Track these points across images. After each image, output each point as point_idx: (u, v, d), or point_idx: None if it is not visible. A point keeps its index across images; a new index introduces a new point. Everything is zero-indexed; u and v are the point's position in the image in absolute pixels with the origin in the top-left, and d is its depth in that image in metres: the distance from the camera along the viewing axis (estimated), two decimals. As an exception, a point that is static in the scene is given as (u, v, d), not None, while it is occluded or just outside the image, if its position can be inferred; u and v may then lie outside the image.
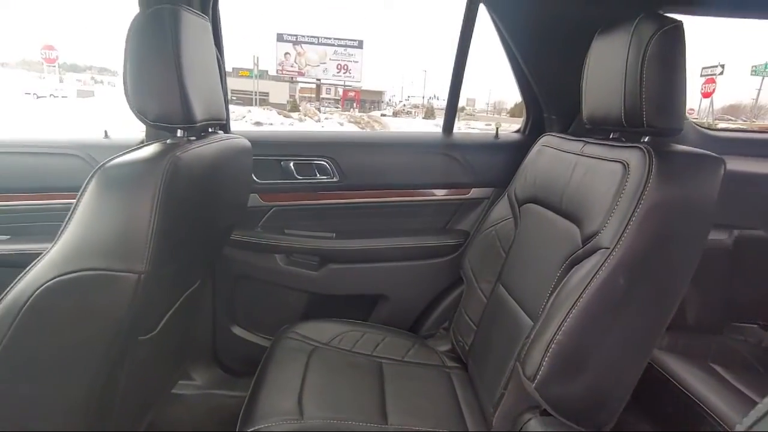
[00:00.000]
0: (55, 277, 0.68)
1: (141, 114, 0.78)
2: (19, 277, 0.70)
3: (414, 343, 1.24)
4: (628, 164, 0.77)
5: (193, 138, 0.87)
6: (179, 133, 0.83)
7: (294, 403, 0.92)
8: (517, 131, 1.54)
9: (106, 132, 1.37)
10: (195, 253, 0.97)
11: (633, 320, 0.74)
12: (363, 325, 1.27)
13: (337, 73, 21.49)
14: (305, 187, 1.38)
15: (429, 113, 24.25)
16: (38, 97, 15.96)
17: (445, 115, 1.44)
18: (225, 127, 1.25)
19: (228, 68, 1.56)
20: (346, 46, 21.11)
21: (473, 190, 1.41)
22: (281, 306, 1.41)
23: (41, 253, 0.70)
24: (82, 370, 0.75)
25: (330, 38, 21.96)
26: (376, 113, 25.40)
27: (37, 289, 0.68)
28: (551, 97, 1.34)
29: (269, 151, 1.35)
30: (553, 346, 0.72)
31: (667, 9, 1.11)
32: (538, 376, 0.73)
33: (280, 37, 21.37)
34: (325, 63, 21.51)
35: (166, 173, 0.70)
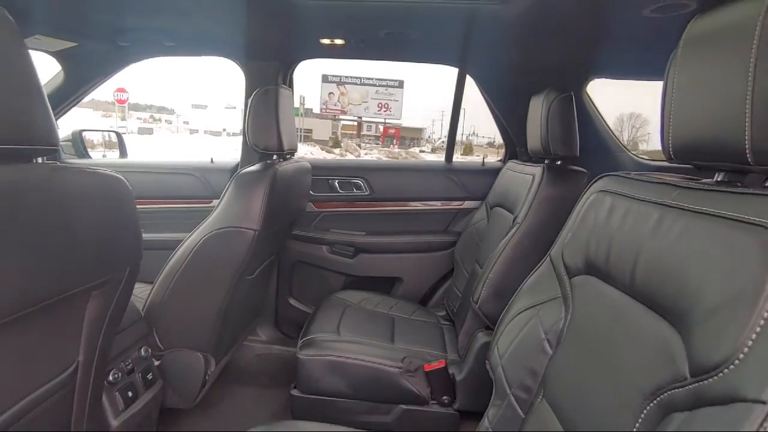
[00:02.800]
0: (211, 232, 1.29)
1: (254, 145, 1.40)
2: (190, 234, 1.31)
3: (418, 308, 1.77)
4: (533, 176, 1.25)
5: (281, 160, 1.48)
6: (275, 156, 1.44)
7: (334, 328, 1.48)
8: (499, 160, 2.10)
9: (212, 159, 2.04)
10: (276, 232, 1.57)
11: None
12: (383, 295, 1.82)
13: (378, 111, 22.65)
14: (345, 198, 1.98)
15: (467, 150, 24.77)
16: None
17: (446, 148, 2.03)
18: (294, 152, 1.89)
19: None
20: (387, 86, 22.39)
21: (466, 202, 1.97)
22: (325, 284, 1.98)
23: (173, 240, 1.33)
24: (218, 291, 1.34)
25: (372, 79, 23.28)
26: (414, 149, 26.24)
27: (202, 238, 1.29)
28: (518, 134, 1.88)
29: (322, 173, 1.97)
30: (487, 279, 1.24)
31: (592, 78, 1.66)
32: (479, 300, 1.25)
33: (325, 78, 22.92)
34: (366, 102, 22.77)
35: (271, 178, 1.31)
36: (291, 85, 1.90)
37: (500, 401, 0.87)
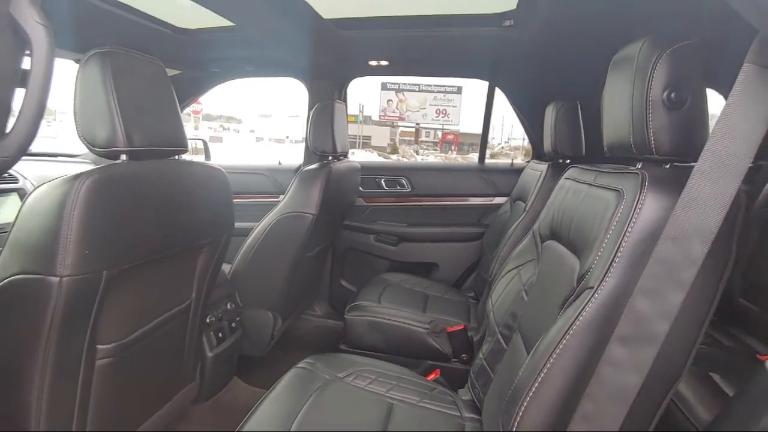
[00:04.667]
0: (280, 216, 1.67)
1: (314, 148, 1.77)
2: (264, 218, 1.70)
3: (451, 289, 2.06)
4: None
5: (335, 160, 1.84)
6: (330, 157, 1.81)
7: (376, 298, 1.81)
8: (527, 161, 2.34)
9: (279, 161, 2.46)
10: (330, 219, 1.92)
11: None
12: (420, 278, 2.12)
13: (436, 117, 22.87)
14: (390, 194, 2.32)
15: (529, 155, 24.25)
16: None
17: (480, 151, 2.30)
18: (347, 155, 2.25)
19: None
20: (445, 92, 22.66)
21: (495, 198, 2.23)
22: (371, 268, 2.32)
23: (247, 228, 1.71)
24: (284, 262, 1.71)
25: (430, 85, 23.60)
26: (473, 155, 26.15)
27: (273, 221, 1.67)
28: (538, 138, 2.11)
29: (370, 173, 2.31)
30: (499, 256, 1.42)
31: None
32: (491, 272, 1.47)
33: (384, 86, 23.54)
34: (424, 108, 23.07)
35: (327, 174, 1.67)
36: (345, 99, 2.27)
37: (491, 338, 1.16)
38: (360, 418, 1.06)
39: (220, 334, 1.54)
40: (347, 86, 2.24)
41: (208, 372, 1.47)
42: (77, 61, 0.97)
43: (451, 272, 2.25)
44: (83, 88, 0.89)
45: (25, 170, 1.78)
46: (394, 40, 1.70)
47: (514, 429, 0.67)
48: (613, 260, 0.63)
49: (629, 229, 0.63)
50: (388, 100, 24.17)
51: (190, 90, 2.28)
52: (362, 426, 1.02)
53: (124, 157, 0.94)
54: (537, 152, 2.22)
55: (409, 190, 2.30)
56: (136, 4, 1.46)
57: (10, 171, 1.75)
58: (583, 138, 1.59)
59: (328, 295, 2.37)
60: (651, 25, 1.18)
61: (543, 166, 1.68)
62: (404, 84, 23.67)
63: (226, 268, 1.79)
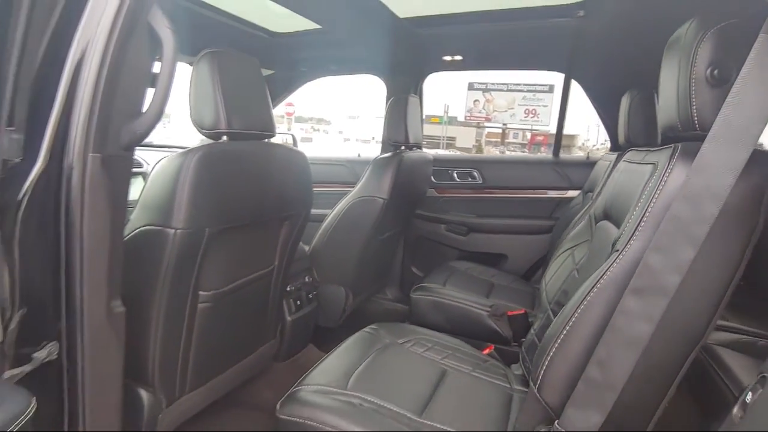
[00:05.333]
0: (355, 199, 1.83)
1: (388, 139, 1.91)
2: (340, 201, 1.88)
3: (518, 279, 2.09)
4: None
5: (407, 150, 1.97)
6: (403, 147, 1.94)
7: (442, 281, 1.90)
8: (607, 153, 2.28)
9: (359, 154, 2.64)
10: (400, 206, 2.05)
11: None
12: (488, 267, 2.18)
13: (525, 117, 22.08)
14: (462, 186, 2.39)
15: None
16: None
17: (554, 143, 2.29)
18: (420, 147, 2.37)
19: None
20: (535, 91, 21.82)
21: (569, 192, 2.21)
22: (441, 256, 2.41)
23: (324, 214, 1.88)
24: (357, 242, 1.87)
25: (519, 84, 22.85)
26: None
27: (349, 204, 1.84)
28: (614, 130, 2.05)
29: (443, 165, 2.41)
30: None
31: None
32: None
33: (470, 86, 23.23)
34: (513, 108, 22.42)
35: (398, 161, 1.80)
36: (421, 94, 2.39)
37: (542, 314, 1.22)
38: (413, 377, 1.17)
39: (299, 302, 1.74)
40: (423, 82, 2.36)
41: (287, 334, 1.67)
42: (190, 63, 1.20)
43: (520, 264, 2.27)
44: (195, 81, 1.11)
45: (148, 157, 2.13)
46: (466, 36, 1.79)
47: (539, 378, 0.75)
48: (639, 224, 0.68)
49: (656, 196, 0.67)
50: (475, 101, 23.80)
51: (282, 88, 2.54)
52: (414, 384, 1.13)
53: (225, 137, 1.14)
54: (613, 144, 2.16)
55: (480, 182, 2.36)
56: (237, 12, 1.71)
57: (137, 158, 2.11)
58: (658, 128, 1.55)
59: (399, 281, 2.51)
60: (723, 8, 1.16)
61: (613, 156, 1.66)
62: (492, 83, 23.19)
63: (306, 247, 1.99)
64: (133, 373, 1.07)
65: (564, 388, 0.70)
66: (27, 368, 0.72)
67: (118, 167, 0.81)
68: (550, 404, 0.74)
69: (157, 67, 0.86)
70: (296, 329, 1.72)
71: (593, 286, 0.71)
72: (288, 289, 1.69)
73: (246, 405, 1.59)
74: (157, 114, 0.84)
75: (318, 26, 1.68)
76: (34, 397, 0.62)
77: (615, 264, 0.69)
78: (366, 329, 1.38)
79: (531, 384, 0.80)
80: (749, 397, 0.53)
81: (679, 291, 0.63)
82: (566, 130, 2.37)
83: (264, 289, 1.45)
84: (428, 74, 2.31)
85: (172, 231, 1.01)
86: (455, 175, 2.39)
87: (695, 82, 0.73)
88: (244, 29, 1.86)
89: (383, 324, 1.42)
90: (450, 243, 2.39)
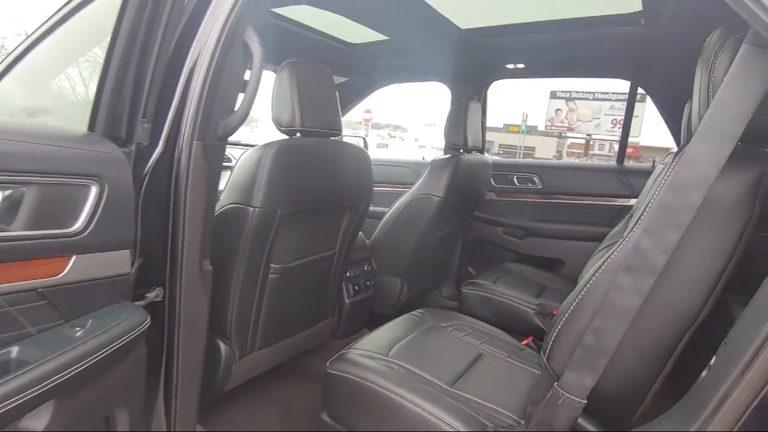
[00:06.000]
0: (413, 196, 1.98)
1: (448, 142, 2.04)
2: (399, 198, 2.04)
3: (572, 284, 2.11)
4: None
5: (465, 153, 2.09)
6: (461, 150, 2.06)
7: (493, 280, 1.99)
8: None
9: (423, 156, 2.80)
10: (457, 206, 2.17)
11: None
12: (543, 271, 2.22)
13: (611, 128, 20.92)
14: (521, 191, 2.45)
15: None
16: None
17: (618, 151, 2.28)
18: (481, 151, 2.46)
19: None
20: (624, 100, 20.60)
21: (632, 199, 2.19)
22: (497, 258, 2.48)
23: (381, 212, 2.04)
24: (413, 237, 2.02)
25: (607, 93, 21.68)
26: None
27: (407, 201, 2.00)
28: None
29: (503, 170, 2.49)
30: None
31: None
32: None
33: (553, 95, 22.41)
34: (598, 118, 21.30)
35: (455, 163, 1.93)
36: (485, 101, 2.49)
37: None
38: (449, 355, 1.29)
39: (356, 288, 1.92)
40: (487, 89, 2.46)
41: (344, 315, 1.86)
42: (275, 71, 1.42)
43: (576, 270, 2.28)
44: (277, 86, 1.32)
45: (237, 154, 2.44)
46: (527, 45, 1.88)
47: (548, 348, 0.85)
48: (643, 213, 0.76)
49: (659, 188, 0.75)
50: (557, 110, 22.91)
51: (356, 94, 2.77)
52: (450, 360, 1.26)
53: (298, 134, 1.35)
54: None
55: (540, 187, 2.41)
56: (318, 26, 1.94)
57: (228, 154, 2.42)
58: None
59: (455, 279, 2.61)
60: None
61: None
62: (576, 92, 22.21)
63: (367, 241, 2.18)
64: (214, 328, 1.30)
65: (567, 356, 0.80)
66: (141, 303, 0.95)
67: (214, 153, 1.03)
68: (555, 371, 0.83)
69: (247, 75, 1.08)
70: (353, 312, 1.90)
71: (599, 268, 0.80)
72: (348, 274, 1.88)
73: (304, 373, 1.79)
74: (245, 112, 1.06)
75: (387, 37, 1.86)
76: (149, 316, 0.84)
77: (618, 248, 0.78)
78: (413, 312, 1.53)
79: (541, 354, 0.90)
80: (713, 360, 0.60)
81: (674, 276, 0.71)
82: (654, 142, 2.35)
83: (325, 270, 1.64)
84: (492, 82, 2.41)
85: (252, 209, 1.23)
86: (515, 179, 2.46)
87: (712, 87, 0.80)
88: (323, 40, 2.10)
89: (430, 309, 1.56)
90: (507, 245, 2.45)
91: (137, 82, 0.87)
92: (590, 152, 25.63)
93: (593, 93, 22.10)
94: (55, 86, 1.36)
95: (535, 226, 2.38)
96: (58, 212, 0.69)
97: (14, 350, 0.62)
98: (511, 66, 2.13)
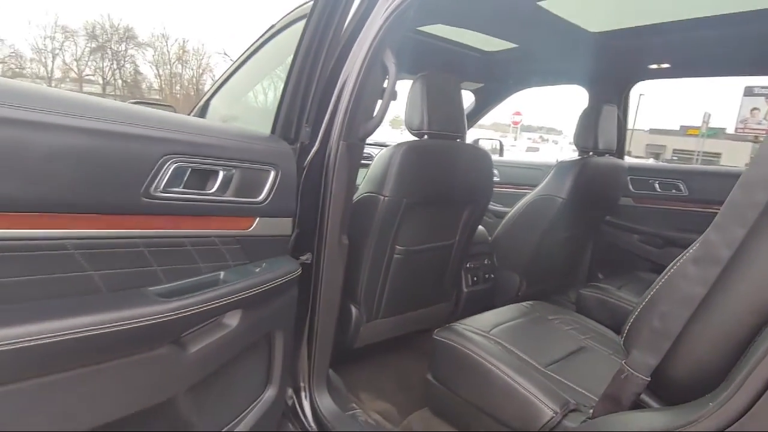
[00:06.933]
0: (536, 197, 2.07)
1: (577, 145, 2.08)
2: (524, 198, 2.14)
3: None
4: None
5: (594, 156, 2.09)
6: (591, 153, 2.07)
7: (617, 285, 1.97)
8: None
9: (557, 159, 2.81)
10: (583, 208, 2.16)
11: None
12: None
13: (832, 131, 16.89)
14: (663, 197, 2.33)
15: None
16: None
17: None
18: (613, 154, 2.39)
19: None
20: None
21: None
22: (632, 267, 2.39)
23: (506, 211, 2.13)
24: (533, 236, 2.10)
25: (828, 88, 17.54)
26: None
27: (530, 201, 2.09)
28: None
29: (643, 174, 2.39)
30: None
31: None
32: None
33: (748, 91, 19.00)
34: (812, 119, 17.40)
35: (581, 165, 1.97)
36: (626, 103, 2.42)
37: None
38: (550, 342, 1.39)
39: (475, 278, 2.08)
40: (629, 90, 2.38)
41: (462, 302, 2.04)
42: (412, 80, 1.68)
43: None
44: (410, 95, 1.57)
45: (374, 152, 2.79)
46: (671, 44, 1.82)
47: (625, 331, 0.94)
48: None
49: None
50: (753, 109, 19.30)
51: (492, 98, 2.91)
52: (549, 347, 1.36)
53: (426, 136, 1.58)
54: None
55: (686, 194, 2.26)
56: (454, 37, 2.15)
57: (367, 152, 2.77)
58: None
59: (584, 286, 2.58)
60: None
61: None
62: (783, 87, 18.41)
63: (489, 237, 2.32)
64: (348, 294, 1.61)
65: (638, 338, 0.88)
66: (296, 263, 1.27)
67: (355, 151, 1.31)
68: (627, 351, 0.92)
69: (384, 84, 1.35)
70: (471, 300, 2.07)
71: (677, 261, 0.86)
72: (468, 265, 2.06)
73: (422, 351, 2.03)
74: (381, 118, 1.33)
75: (515, 45, 1.98)
76: (300, 266, 1.16)
77: (695, 245, 0.84)
78: (524, 303, 1.65)
79: (619, 337, 0.98)
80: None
81: (749, 272, 0.76)
82: None
83: (444, 257, 1.85)
84: (634, 83, 2.32)
85: (382, 197, 1.50)
86: (657, 185, 2.34)
87: None
88: (460, 50, 2.30)
89: (541, 302, 1.66)
90: (643, 254, 2.35)
91: (304, 96, 1.19)
92: (800, 161, 20.94)
93: (807, 88, 18.15)
94: (247, 100, 1.81)
95: (677, 236, 2.24)
96: (250, 187, 1.03)
97: (221, 273, 0.96)
98: (654, 66, 2.05)
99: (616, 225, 2.44)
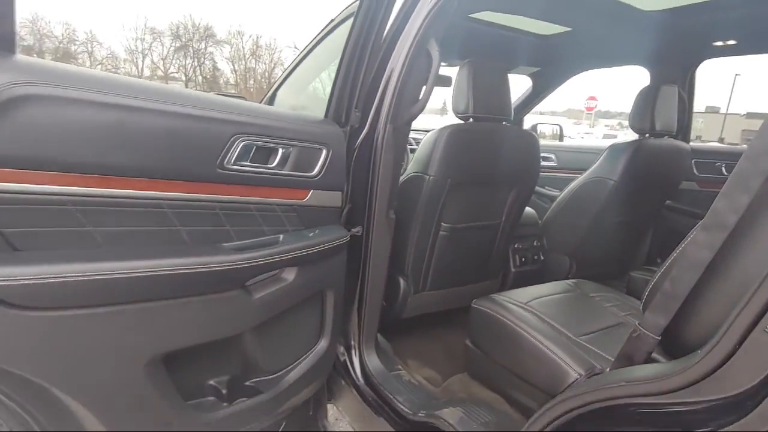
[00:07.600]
0: (587, 180, 2.08)
1: (632, 126, 2.06)
2: (575, 181, 2.16)
3: None
4: None
5: (651, 138, 2.06)
6: (647, 135, 2.05)
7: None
8: None
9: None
10: (637, 193, 2.12)
11: None
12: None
13: None
14: (717, 180, 2.24)
15: None
16: (571, 139, 20.77)
17: None
18: (675, 136, 2.31)
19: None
20: None
21: None
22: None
23: (554, 195, 2.14)
24: (585, 218, 2.12)
25: None
26: None
27: (581, 184, 2.11)
28: None
29: (711, 157, 2.30)
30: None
31: None
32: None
33: None
34: None
35: (636, 147, 1.96)
36: (692, 84, 2.33)
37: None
38: (587, 316, 1.45)
39: (524, 259, 2.15)
40: (694, 69, 2.30)
41: (509, 281, 2.12)
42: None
43: None
44: (457, 80, 1.67)
45: (419, 138, 2.90)
46: (734, 20, 1.77)
47: (644, 298, 1.00)
48: None
49: None
50: None
51: (549, 82, 2.90)
52: (586, 320, 1.42)
53: (471, 119, 1.68)
54: None
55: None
56: (506, 23, 2.20)
57: (412, 137, 2.86)
58: None
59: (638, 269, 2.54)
60: None
61: None
62: None
63: (539, 221, 2.36)
64: (397, 267, 1.76)
65: (651, 301, 0.94)
66: (345, 231, 1.43)
67: (401, 134, 1.44)
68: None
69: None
70: (519, 280, 2.14)
71: (693, 232, 0.92)
72: (516, 246, 2.13)
73: (465, 326, 2.13)
74: (424, 104, 1.45)
75: (569, 29, 2.00)
76: (350, 234, 1.32)
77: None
78: (567, 280, 1.70)
79: (641, 305, 1.04)
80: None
81: (760, 240, 0.81)
82: None
83: (491, 237, 1.94)
84: (699, 62, 2.23)
85: (428, 177, 1.62)
86: (723, 168, 2.25)
87: None
88: (513, 35, 2.34)
89: (583, 281, 1.71)
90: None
91: (354, 83, 1.34)
92: None
93: None
94: (310, 90, 2.00)
95: (743, 220, 2.15)
96: (306, 163, 1.19)
97: (281, 237, 1.15)
98: (719, 43, 1.97)
99: (677, 210, 2.38)
